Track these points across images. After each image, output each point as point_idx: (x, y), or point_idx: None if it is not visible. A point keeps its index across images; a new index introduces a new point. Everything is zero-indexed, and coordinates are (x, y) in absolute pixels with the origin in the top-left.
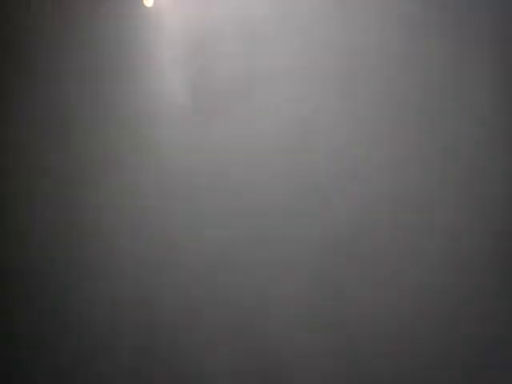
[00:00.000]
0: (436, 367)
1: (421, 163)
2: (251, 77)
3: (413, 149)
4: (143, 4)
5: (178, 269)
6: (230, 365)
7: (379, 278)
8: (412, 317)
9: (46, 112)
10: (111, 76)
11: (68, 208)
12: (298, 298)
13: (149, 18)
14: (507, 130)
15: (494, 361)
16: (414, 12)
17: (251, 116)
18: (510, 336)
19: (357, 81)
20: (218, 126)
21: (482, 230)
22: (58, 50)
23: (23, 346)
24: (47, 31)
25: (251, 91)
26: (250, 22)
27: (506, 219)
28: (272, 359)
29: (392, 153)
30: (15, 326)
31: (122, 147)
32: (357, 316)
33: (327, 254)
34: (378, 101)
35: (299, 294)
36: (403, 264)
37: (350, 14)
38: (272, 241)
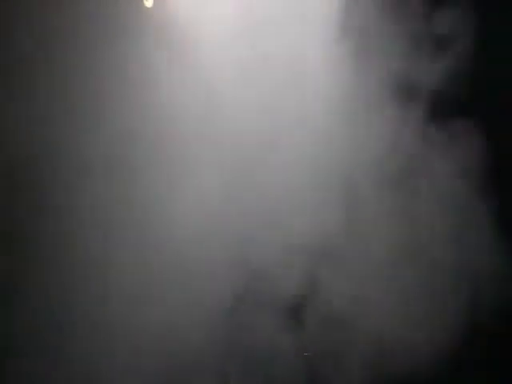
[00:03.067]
0: None
1: None
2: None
3: None
4: (143, 4)
5: None
6: None
7: None
8: None
9: (47, 110)
10: (111, 75)
11: None
12: None
13: (149, 18)
14: None
15: None
16: None
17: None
18: None
19: None
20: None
21: None
22: (59, 51)
23: None
24: (47, 32)
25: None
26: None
27: None
28: None
29: None
30: None
31: (112, 147)
32: None
33: None
34: None
35: None
36: None
37: None
38: None
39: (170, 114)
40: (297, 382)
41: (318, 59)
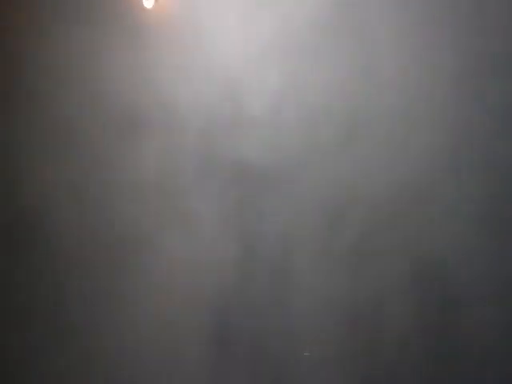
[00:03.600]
0: None
1: None
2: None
3: None
4: (143, 5)
5: None
6: None
7: None
8: None
9: (46, 113)
10: (111, 77)
11: None
12: None
13: (149, 20)
14: None
15: None
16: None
17: None
18: None
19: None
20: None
21: None
22: (58, 52)
23: None
24: (47, 33)
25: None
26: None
27: None
28: None
29: None
30: None
31: (121, 150)
32: None
33: None
34: None
35: None
36: None
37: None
38: None
39: None
40: None
41: None
